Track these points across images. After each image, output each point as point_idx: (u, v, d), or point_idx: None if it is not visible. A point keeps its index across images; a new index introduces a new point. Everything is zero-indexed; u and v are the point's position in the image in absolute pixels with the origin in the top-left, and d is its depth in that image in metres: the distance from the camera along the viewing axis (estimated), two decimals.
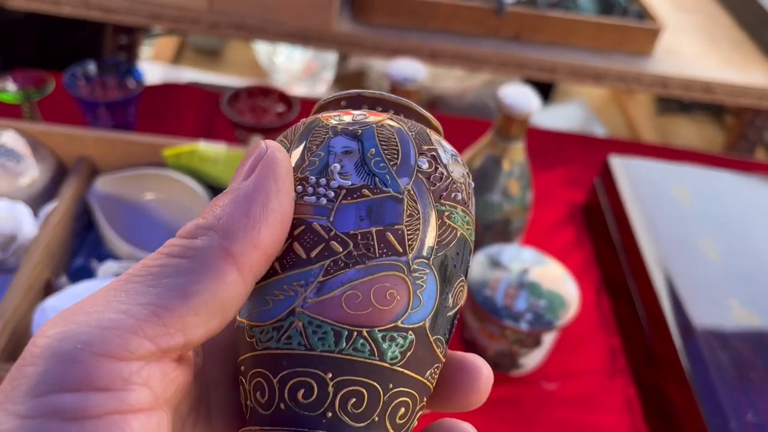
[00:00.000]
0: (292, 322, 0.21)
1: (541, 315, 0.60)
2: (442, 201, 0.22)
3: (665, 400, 0.65)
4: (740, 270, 0.72)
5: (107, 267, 0.54)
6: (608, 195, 0.84)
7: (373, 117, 0.23)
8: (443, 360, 0.23)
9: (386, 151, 0.22)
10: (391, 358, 0.21)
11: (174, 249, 0.20)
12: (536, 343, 0.62)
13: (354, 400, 0.20)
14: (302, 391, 0.20)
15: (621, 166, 0.85)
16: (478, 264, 0.64)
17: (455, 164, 0.23)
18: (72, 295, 0.51)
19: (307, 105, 0.95)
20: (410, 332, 0.21)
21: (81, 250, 0.60)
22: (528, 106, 0.66)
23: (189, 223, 0.20)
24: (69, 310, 0.19)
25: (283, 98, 0.82)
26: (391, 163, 0.22)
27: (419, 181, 0.22)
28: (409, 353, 0.21)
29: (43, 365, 0.18)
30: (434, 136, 0.24)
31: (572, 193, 0.91)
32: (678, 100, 1.67)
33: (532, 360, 0.65)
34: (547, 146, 0.97)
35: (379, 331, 0.21)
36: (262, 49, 1.50)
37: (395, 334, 0.21)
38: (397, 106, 0.24)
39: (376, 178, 0.21)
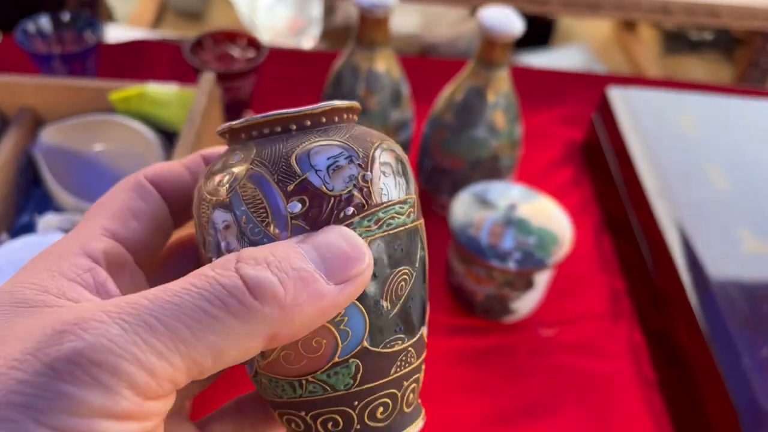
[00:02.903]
0: (259, 380, 0.24)
1: (530, 253, 0.55)
2: None
3: (673, 342, 0.60)
4: (752, 198, 0.67)
5: (47, 220, 0.49)
6: (607, 130, 0.78)
7: (237, 169, 0.22)
8: (414, 336, 0.24)
9: (255, 213, 0.21)
10: (345, 386, 0.22)
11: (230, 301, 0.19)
12: (528, 284, 0.57)
13: (330, 424, 0.23)
14: (293, 424, 0.24)
15: (620, 97, 0.78)
16: (462, 204, 0.59)
17: (335, 175, 0.21)
18: (8, 252, 0.46)
19: (286, 55, 0.90)
20: (351, 359, 0.22)
21: (27, 206, 0.55)
22: (511, 28, 0.60)
23: (253, 267, 0.19)
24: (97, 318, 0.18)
25: (252, 42, 0.76)
26: (264, 223, 0.21)
27: (297, 227, 0.21)
28: (360, 374, 0.22)
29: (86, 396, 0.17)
30: (302, 149, 0.22)
31: (570, 131, 0.84)
32: (686, 38, 1.58)
33: (525, 304, 0.60)
34: (542, 86, 0.91)
35: (321, 372, 0.22)
36: (244, 9, 1.44)
37: (338, 369, 0.22)
38: (305, 117, 0.22)
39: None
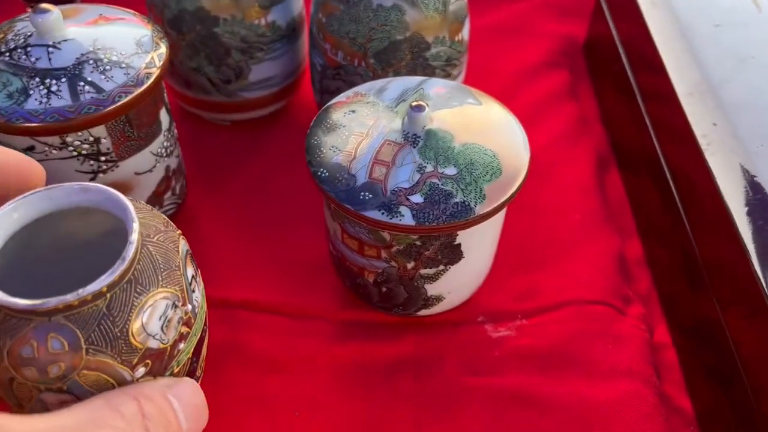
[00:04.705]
0: None
1: (445, 194, 0.29)
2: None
3: (724, 346, 0.34)
4: None
5: None
6: (619, 16, 0.51)
7: (67, 358, 0.20)
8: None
9: (100, 390, 0.21)
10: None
11: None
12: (452, 252, 0.32)
13: None
14: None
15: None
16: (335, 113, 0.34)
17: (168, 329, 0.22)
18: None
19: None
20: None
21: None
22: None
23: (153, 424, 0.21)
24: None
25: None
26: (109, 388, 0.22)
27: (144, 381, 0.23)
28: None
29: None
30: (135, 321, 0.21)
31: (566, 25, 0.57)
32: None
33: (453, 287, 0.34)
34: None
35: None
36: None
37: None
38: (118, 278, 0.22)
39: None
